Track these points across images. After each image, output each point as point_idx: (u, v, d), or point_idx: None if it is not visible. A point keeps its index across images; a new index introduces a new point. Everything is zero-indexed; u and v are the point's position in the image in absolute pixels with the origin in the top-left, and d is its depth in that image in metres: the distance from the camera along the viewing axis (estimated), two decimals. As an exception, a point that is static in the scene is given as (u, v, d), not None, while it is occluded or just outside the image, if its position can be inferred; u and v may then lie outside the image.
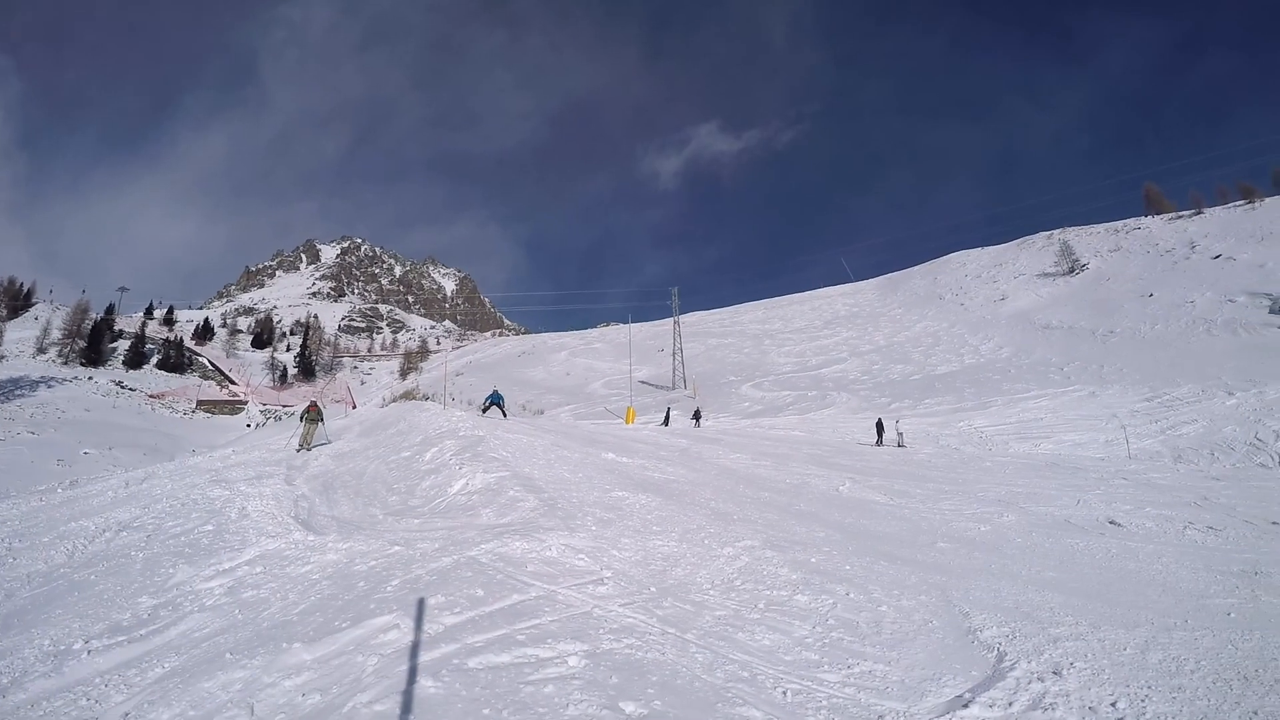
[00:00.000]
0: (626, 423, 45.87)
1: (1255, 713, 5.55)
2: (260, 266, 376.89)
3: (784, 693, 5.81)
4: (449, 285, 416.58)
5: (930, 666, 6.44)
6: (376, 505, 13.92)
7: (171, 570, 9.37)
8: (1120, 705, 5.67)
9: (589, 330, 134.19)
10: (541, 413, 55.84)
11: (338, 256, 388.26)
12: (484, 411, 31.23)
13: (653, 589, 8.00)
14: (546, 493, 13.32)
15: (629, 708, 5.23)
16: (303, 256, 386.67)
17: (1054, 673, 6.23)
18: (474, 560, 8.57)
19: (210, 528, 11.71)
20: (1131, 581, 9.80)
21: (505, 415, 30.70)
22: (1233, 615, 8.22)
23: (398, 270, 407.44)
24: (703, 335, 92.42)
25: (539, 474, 15.46)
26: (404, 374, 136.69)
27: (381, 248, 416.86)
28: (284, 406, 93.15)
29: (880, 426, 36.34)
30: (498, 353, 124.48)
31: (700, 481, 17.15)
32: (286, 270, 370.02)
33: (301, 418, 23.68)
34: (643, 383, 73.29)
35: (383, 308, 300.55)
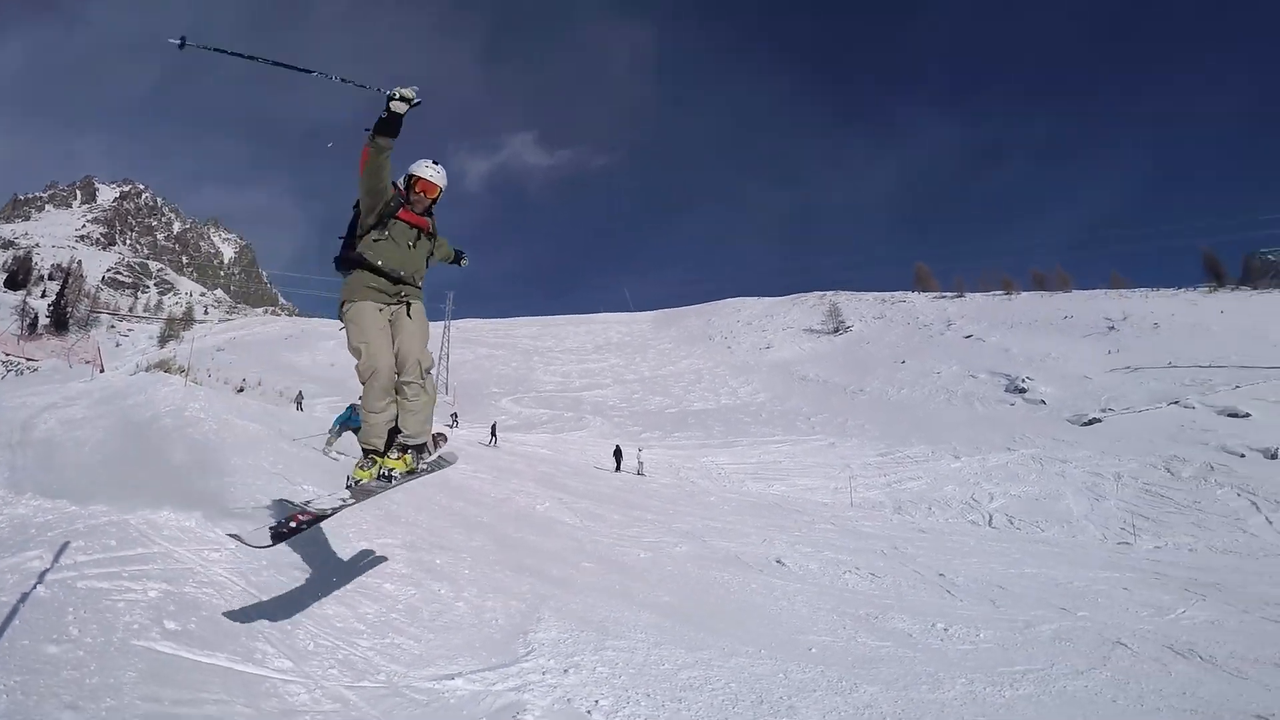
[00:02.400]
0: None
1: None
2: (30, 196, 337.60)
3: (311, 645, 6.31)
4: (228, 251, 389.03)
5: (457, 649, 6.89)
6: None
7: None
8: (603, 704, 6.04)
9: None
10: (299, 403, 52.51)
11: (115, 200, 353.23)
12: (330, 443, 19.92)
13: (264, 560, 7.94)
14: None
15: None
16: (78, 193, 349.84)
17: (563, 670, 6.65)
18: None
19: None
20: (745, 613, 10.42)
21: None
22: (814, 650, 8.75)
23: (176, 226, 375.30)
24: (475, 344, 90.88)
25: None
26: (163, 341, 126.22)
27: (164, 199, 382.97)
28: (28, 360, 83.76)
29: (618, 453, 36.58)
30: (265, 332, 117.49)
31: (411, 490, 16.47)
32: (58, 205, 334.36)
33: None
34: None
35: (154, 265, 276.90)
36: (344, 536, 10.00)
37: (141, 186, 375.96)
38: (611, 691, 6.27)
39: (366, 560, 9.13)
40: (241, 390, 63.67)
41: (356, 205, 6.14)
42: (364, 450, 6.27)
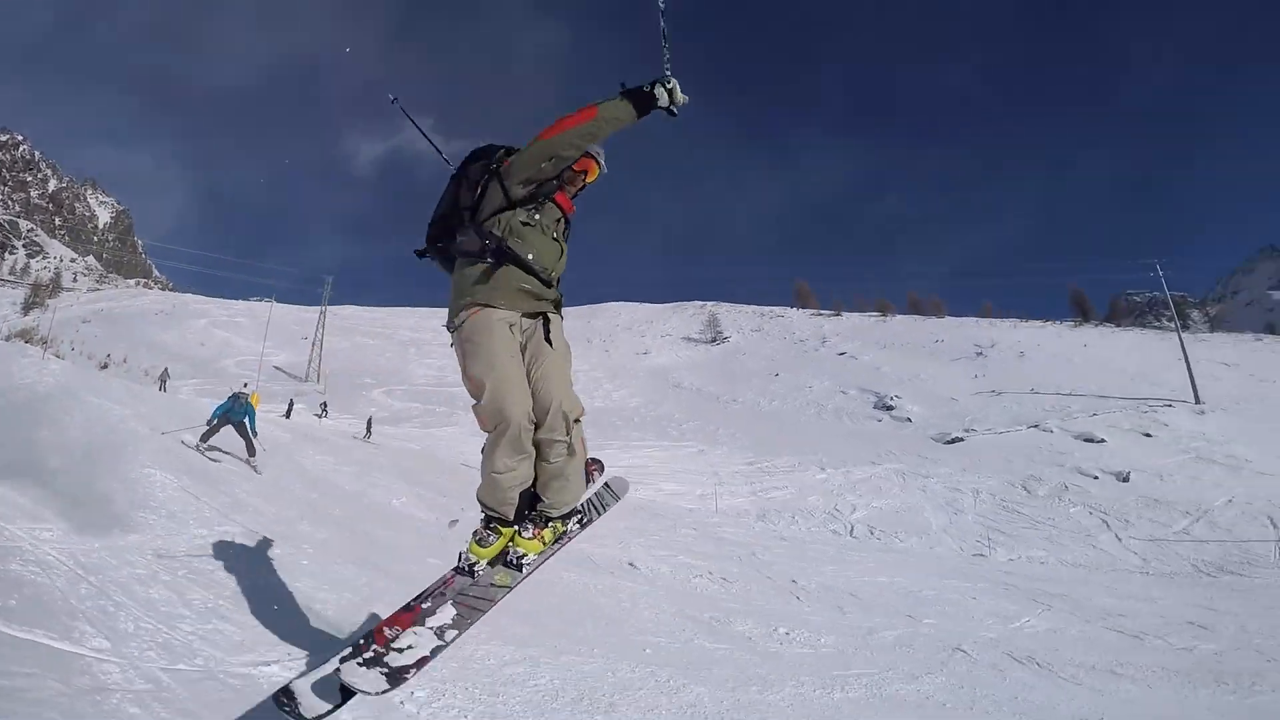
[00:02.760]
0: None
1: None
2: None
3: (132, 628, 6.00)
4: (104, 216, 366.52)
5: (280, 638, 6.60)
6: None
7: None
8: (418, 695, 5.95)
9: (237, 301, 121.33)
10: (162, 383, 49.85)
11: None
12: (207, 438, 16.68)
13: (96, 543, 7.86)
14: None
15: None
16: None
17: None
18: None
19: None
20: (586, 614, 10.29)
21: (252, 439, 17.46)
22: (648, 651, 8.69)
23: (52, 185, 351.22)
24: (352, 331, 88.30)
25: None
26: (27, 309, 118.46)
27: (43, 154, 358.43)
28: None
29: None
30: (135, 306, 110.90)
31: (266, 480, 16.25)
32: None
33: None
34: (277, 369, 68.73)
35: (24, 224, 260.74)
36: (183, 522, 9.71)
37: (20, 137, 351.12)
38: (429, 684, 6.05)
39: (203, 547, 8.78)
40: (105, 367, 60.80)
41: (461, 172, 4.64)
42: (486, 516, 4.46)
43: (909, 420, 53.73)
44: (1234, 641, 13.49)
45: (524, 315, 4.37)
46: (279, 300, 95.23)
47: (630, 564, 14.93)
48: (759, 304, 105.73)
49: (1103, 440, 44.06)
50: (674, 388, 66.08)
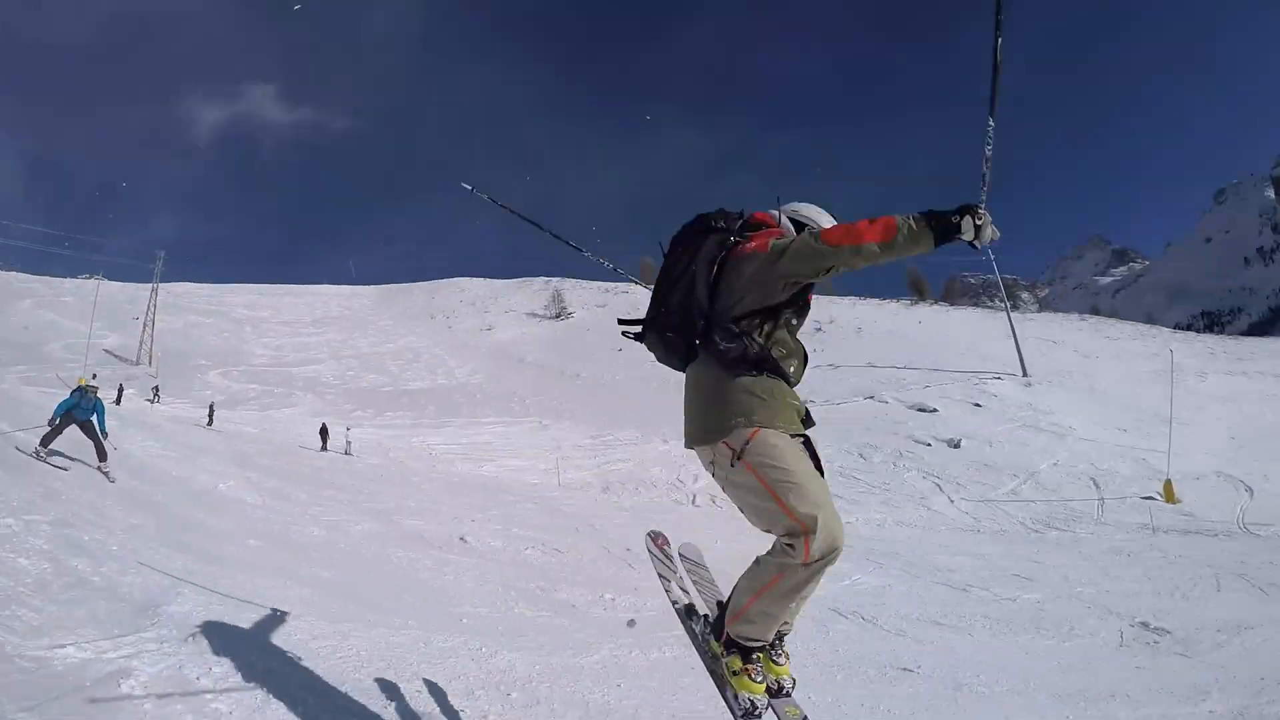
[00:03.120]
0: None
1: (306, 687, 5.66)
2: None
3: None
4: None
5: (80, 621, 6.15)
6: None
7: None
8: (216, 671, 5.54)
9: (65, 280, 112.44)
10: None
11: None
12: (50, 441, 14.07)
13: None
14: None
15: None
16: None
17: (183, 639, 6.04)
18: None
19: None
20: (408, 588, 10.27)
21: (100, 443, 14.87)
22: (465, 621, 8.64)
23: None
24: (185, 310, 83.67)
25: None
26: None
27: None
28: None
29: (324, 432, 34.71)
30: None
31: (82, 469, 14.94)
32: None
33: None
34: (107, 351, 64.80)
35: None
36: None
37: None
38: (230, 658, 5.65)
39: (6, 537, 8.09)
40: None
41: (694, 246, 3.83)
42: (746, 646, 3.69)
43: (751, 392, 54.24)
44: (1056, 591, 14.04)
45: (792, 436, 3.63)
46: (108, 278, 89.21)
47: (462, 539, 14.73)
48: (604, 280, 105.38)
49: (935, 410, 45.73)
50: (518, 363, 65.50)
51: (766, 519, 3.48)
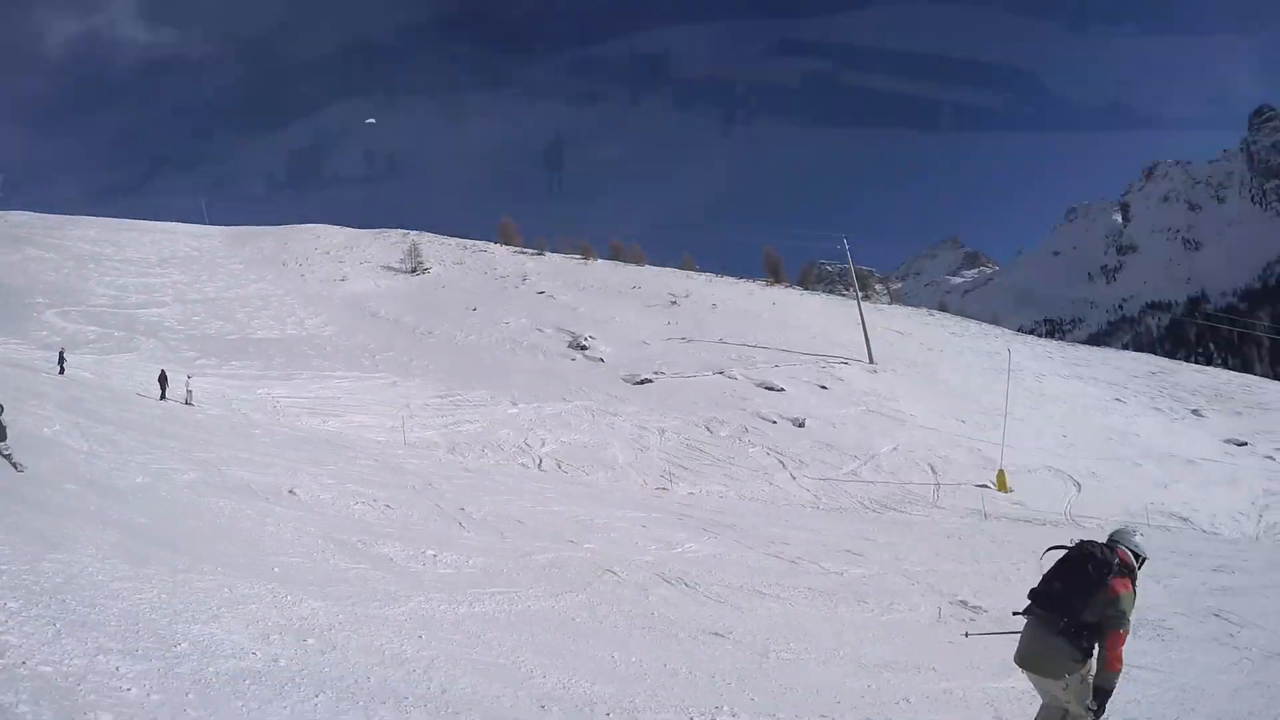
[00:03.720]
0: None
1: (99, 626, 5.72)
2: None
3: None
4: None
5: None
6: None
7: None
8: (10, 607, 5.63)
9: None
10: None
11: None
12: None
13: None
14: None
15: None
16: None
17: None
18: None
19: None
20: (224, 536, 10.13)
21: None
22: (276, 570, 8.60)
23: None
24: (23, 241, 78.17)
25: None
26: None
27: None
28: None
29: (163, 379, 32.98)
30: None
31: None
32: None
33: None
34: None
35: None
36: None
37: None
38: (25, 596, 5.82)
39: None
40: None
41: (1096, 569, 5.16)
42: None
43: (601, 360, 54.31)
44: (884, 567, 14.55)
45: None
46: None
47: (291, 491, 14.38)
48: (463, 236, 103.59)
49: (782, 389, 46.64)
50: (370, 317, 63.45)
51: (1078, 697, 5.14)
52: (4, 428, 11.88)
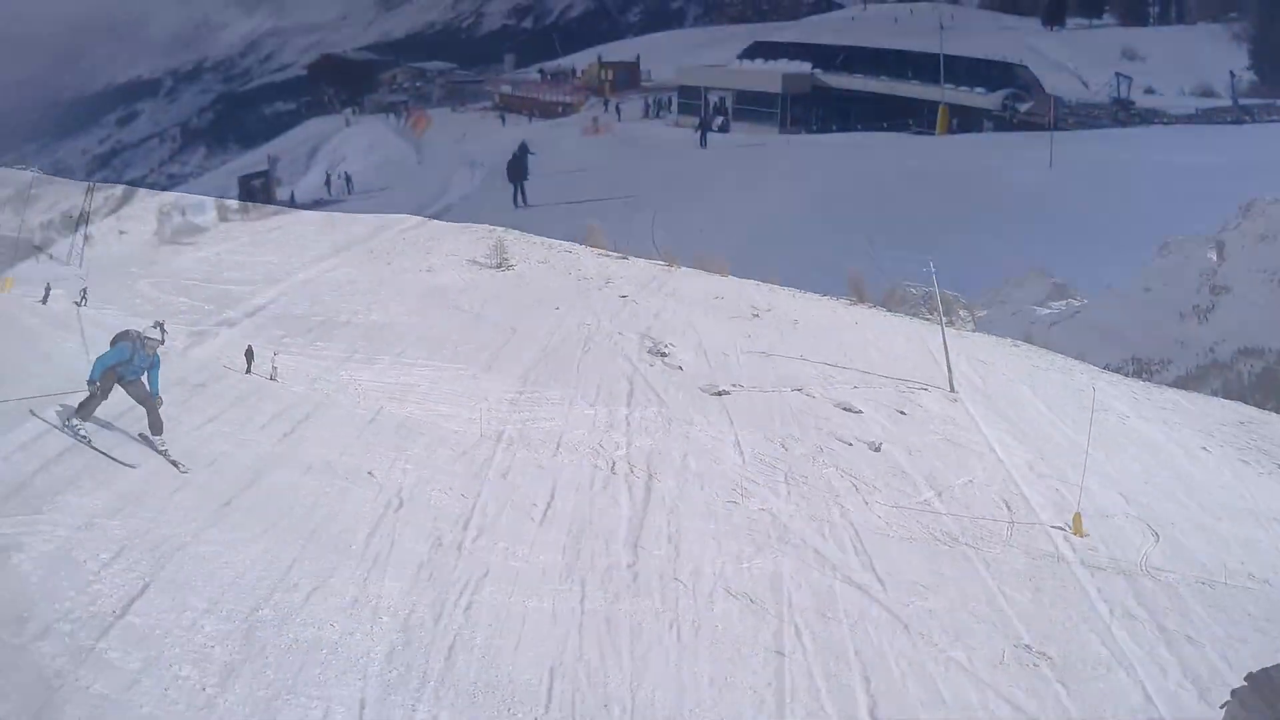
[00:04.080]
0: None
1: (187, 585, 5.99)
2: None
3: None
4: None
5: None
6: None
7: None
8: (102, 556, 6.00)
9: None
10: None
11: None
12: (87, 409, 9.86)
13: None
14: None
15: None
16: None
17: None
18: None
19: None
20: (305, 509, 10.32)
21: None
22: (354, 548, 8.99)
23: None
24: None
25: None
26: None
27: None
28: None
29: (249, 354, 33.69)
30: None
31: None
32: None
33: None
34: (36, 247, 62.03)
35: None
36: None
37: None
38: (117, 549, 6.24)
39: None
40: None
41: None
42: None
43: (680, 369, 53.87)
44: (951, 603, 14.15)
45: None
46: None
47: (369, 473, 14.49)
48: (549, 236, 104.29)
49: (860, 411, 45.79)
50: (453, 309, 64.20)
51: None
52: (161, 422, 10.72)
